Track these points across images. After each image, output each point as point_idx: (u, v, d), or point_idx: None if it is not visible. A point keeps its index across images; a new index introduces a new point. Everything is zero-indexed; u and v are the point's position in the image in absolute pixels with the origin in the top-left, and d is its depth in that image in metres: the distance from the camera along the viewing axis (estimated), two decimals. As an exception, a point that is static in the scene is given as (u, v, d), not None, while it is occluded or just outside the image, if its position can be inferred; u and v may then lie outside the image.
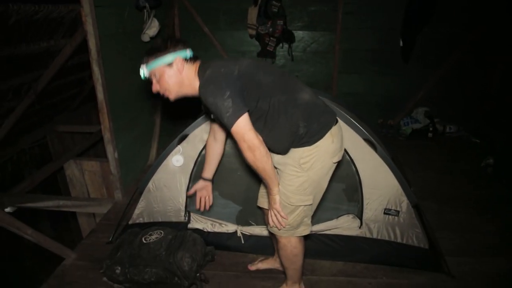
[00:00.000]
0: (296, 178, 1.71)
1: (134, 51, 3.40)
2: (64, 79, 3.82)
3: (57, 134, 4.60)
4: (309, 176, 1.71)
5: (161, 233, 2.32)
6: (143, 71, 1.69)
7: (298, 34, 4.68)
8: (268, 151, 1.59)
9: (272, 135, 1.65)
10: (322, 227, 2.43)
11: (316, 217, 2.46)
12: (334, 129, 1.71)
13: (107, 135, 2.99)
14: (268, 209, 1.85)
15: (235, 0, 4.57)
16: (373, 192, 2.33)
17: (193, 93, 1.69)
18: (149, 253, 2.18)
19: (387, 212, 2.34)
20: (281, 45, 4.65)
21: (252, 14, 4.39)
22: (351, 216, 2.43)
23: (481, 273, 2.33)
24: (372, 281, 2.28)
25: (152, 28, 3.41)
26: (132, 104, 3.45)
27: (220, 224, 2.53)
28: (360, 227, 2.40)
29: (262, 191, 2.07)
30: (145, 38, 3.42)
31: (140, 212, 2.62)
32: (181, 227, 2.53)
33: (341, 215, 2.44)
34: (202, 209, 2.11)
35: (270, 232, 1.95)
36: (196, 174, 2.50)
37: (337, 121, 1.76)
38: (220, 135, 1.99)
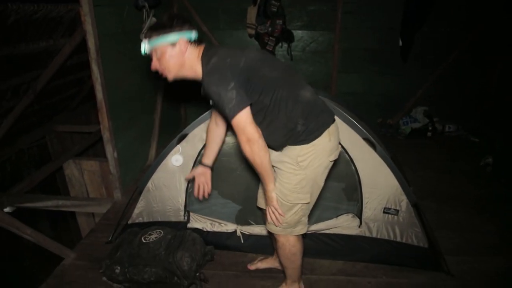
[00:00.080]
0: (294, 176, 1.71)
1: (133, 51, 3.39)
2: (63, 79, 3.82)
3: (56, 134, 4.59)
4: (307, 174, 1.71)
5: (160, 232, 2.32)
6: (144, 47, 1.62)
7: (297, 33, 4.68)
8: (266, 146, 1.59)
9: (270, 129, 1.65)
10: (321, 226, 2.43)
11: (315, 216, 2.47)
12: (331, 127, 1.72)
13: (106, 135, 2.98)
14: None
15: (233, 0, 4.57)
16: (372, 191, 2.33)
17: (192, 76, 1.67)
18: (148, 253, 2.18)
19: (386, 211, 2.34)
20: (280, 44, 4.65)
21: (251, 13, 4.39)
22: (350, 215, 2.43)
23: (480, 272, 2.33)
24: (372, 280, 2.28)
25: (151, 28, 3.40)
26: (131, 104, 3.44)
27: (220, 223, 2.53)
28: (359, 226, 2.40)
29: (261, 191, 2.07)
30: (144, 37, 3.41)
31: (139, 212, 2.62)
32: (180, 226, 2.53)
33: (341, 214, 2.44)
34: (200, 197, 2.05)
35: (268, 231, 1.95)
36: (195, 174, 2.50)
37: (334, 120, 1.77)
38: (221, 120, 1.97)
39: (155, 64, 1.65)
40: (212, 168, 2.08)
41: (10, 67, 2.92)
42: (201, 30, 4.63)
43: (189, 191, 2.53)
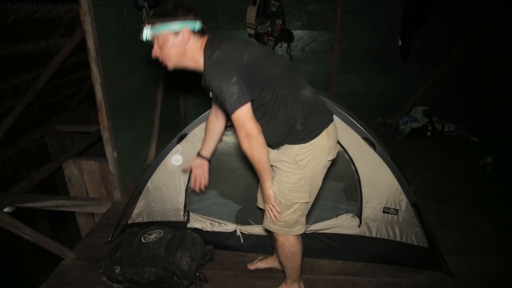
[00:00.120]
0: (293, 175, 1.72)
1: (133, 51, 3.40)
2: (63, 79, 3.81)
3: (56, 134, 4.59)
4: (305, 173, 1.71)
5: (160, 232, 2.32)
6: (146, 33, 1.59)
7: (297, 33, 4.68)
8: (265, 142, 1.58)
9: (269, 126, 1.65)
10: (321, 226, 2.43)
11: (315, 216, 2.48)
12: (330, 127, 1.72)
13: (106, 135, 2.98)
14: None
15: (233, 0, 4.56)
16: (372, 191, 2.34)
17: (193, 67, 1.65)
18: (148, 253, 2.18)
19: (386, 211, 2.34)
20: (280, 44, 4.65)
21: (251, 13, 4.39)
22: (350, 215, 2.43)
23: (480, 272, 2.33)
24: (372, 279, 2.28)
25: (150, 28, 3.39)
26: (131, 104, 3.44)
27: (220, 223, 2.53)
28: (359, 226, 2.40)
29: (261, 191, 2.07)
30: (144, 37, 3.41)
31: (139, 212, 2.62)
32: (180, 226, 2.53)
33: (340, 214, 2.45)
34: (197, 189, 2.02)
35: (268, 231, 1.95)
36: (195, 174, 2.50)
37: (332, 120, 1.77)
38: (221, 113, 1.94)
39: (156, 52, 1.62)
40: (209, 160, 2.05)
41: (10, 67, 2.92)
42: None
43: (188, 191, 2.53)
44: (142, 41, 3.46)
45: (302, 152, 1.69)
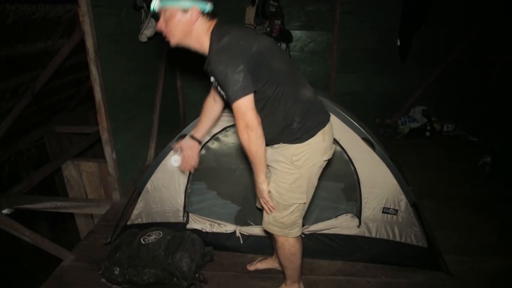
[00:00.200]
0: (289, 175, 1.72)
1: (132, 51, 3.40)
2: (62, 79, 3.81)
3: (55, 134, 4.58)
4: (301, 173, 1.72)
5: (159, 233, 2.32)
6: (155, 3, 1.54)
7: (296, 33, 4.68)
8: (263, 135, 1.57)
9: (266, 121, 1.63)
10: (321, 227, 2.43)
11: (314, 217, 2.48)
12: (326, 127, 1.73)
13: (105, 136, 2.98)
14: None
15: (232, 0, 4.56)
16: (371, 191, 2.34)
17: (196, 48, 1.62)
18: (147, 254, 2.18)
19: (385, 211, 2.35)
20: (279, 44, 4.65)
21: (250, 14, 4.39)
22: (349, 215, 2.43)
23: (479, 271, 2.34)
24: (371, 280, 2.28)
25: (149, 28, 3.40)
26: (130, 104, 3.44)
27: (219, 224, 2.53)
28: (359, 226, 2.40)
29: None
30: (143, 38, 3.42)
31: (138, 213, 2.62)
32: (179, 227, 2.53)
33: (340, 215, 2.45)
34: (186, 170, 2.00)
35: (267, 232, 1.95)
36: (194, 175, 2.50)
37: (329, 120, 1.77)
38: (220, 98, 1.91)
39: (161, 25, 1.58)
40: (201, 143, 2.03)
41: (9, 67, 2.91)
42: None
43: (188, 192, 2.53)
44: (140, 42, 3.49)
45: (298, 152, 1.69)
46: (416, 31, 4.11)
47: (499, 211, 3.00)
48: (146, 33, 3.40)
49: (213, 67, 1.49)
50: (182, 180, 2.50)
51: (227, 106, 1.60)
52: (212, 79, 1.63)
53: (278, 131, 1.67)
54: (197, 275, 2.19)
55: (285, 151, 1.71)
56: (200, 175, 2.55)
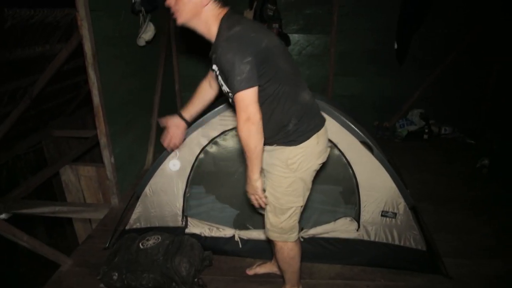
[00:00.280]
0: (284, 179, 1.72)
1: (130, 55, 3.40)
2: (60, 84, 3.81)
3: (53, 139, 4.57)
4: (297, 176, 1.72)
5: (158, 238, 2.31)
6: None
7: (294, 37, 4.69)
8: (263, 131, 1.55)
9: (263, 120, 1.60)
10: (319, 230, 2.43)
11: (313, 220, 2.48)
12: (320, 131, 1.74)
13: (103, 140, 2.97)
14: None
15: (230, 4, 4.56)
16: (370, 195, 2.34)
17: (202, 32, 1.61)
18: (146, 259, 2.17)
19: (384, 214, 2.34)
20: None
21: (248, 17, 4.40)
22: (348, 219, 2.43)
23: (478, 274, 2.33)
24: (370, 283, 2.27)
25: (147, 32, 3.40)
26: (128, 108, 3.43)
27: (218, 228, 2.52)
28: (357, 230, 2.40)
29: None
30: (141, 42, 3.42)
31: (137, 217, 2.61)
32: (178, 231, 2.52)
33: (339, 218, 2.45)
34: (168, 148, 2.00)
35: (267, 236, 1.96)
36: (193, 179, 2.50)
37: (324, 125, 1.78)
38: (216, 85, 1.91)
39: (170, 1, 1.57)
40: (188, 124, 2.01)
41: (7, 72, 2.91)
42: (197, 35, 4.63)
43: (186, 196, 2.53)
44: (138, 46, 3.49)
45: (293, 155, 1.69)
46: (415, 32, 4.12)
47: (498, 214, 3.00)
48: (144, 37, 3.40)
49: (220, 54, 1.47)
50: (181, 184, 2.49)
51: (221, 95, 1.58)
52: (214, 67, 1.60)
53: (273, 131, 1.66)
54: (196, 279, 2.18)
55: (280, 155, 1.72)
56: (199, 179, 2.55)
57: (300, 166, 1.70)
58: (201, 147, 2.43)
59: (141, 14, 3.31)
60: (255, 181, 1.66)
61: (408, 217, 2.32)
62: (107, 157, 3.03)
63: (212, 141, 2.44)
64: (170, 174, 2.48)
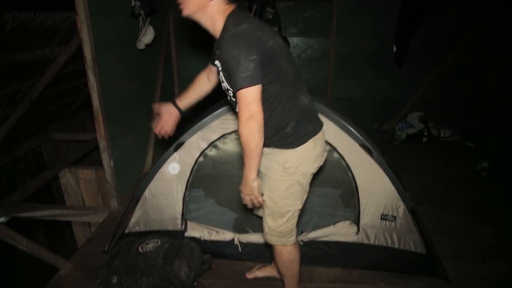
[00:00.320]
0: (282, 182, 1.73)
1: (129, 58, 3.40)
2: (59, 87, 3.80)
3: (52, 142, 4.56)
4: (294, 179, 1.73)
5: (157, 241, 2.31)
6: None
7: (293, 40, 4.70)
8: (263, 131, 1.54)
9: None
10: (319, 234, 2.43)
11: (313, 224, 2.48)
12: (317, 135, 1.74)
13: (102, 143, 2.97)
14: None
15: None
16: (369, 198, 2.34)
17: (207, 26, 1.59)
18: (145, 262, 2.17)
19: (384, 217, 2.35)
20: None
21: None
22: (348, 222, 2.43)
23: (478, 277, 2.34)
24: (370, 287, 2.27)
25: (147, 35, 3.41)
26: (127, 111, 3.43)
27: (217, 232, 2.52)
28: (357, 233, 2.40)
29: None
30: (140, 45, 3.42)
31: (136, 221, 2.60)
32: (178, 235, 2.51)
33: (338, 221, 2.45)
34: (159, 135, 1.99)
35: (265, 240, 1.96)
36: (192, 182, 2.50)
37: (321, 129, 1.79)
38: (214, 78, 1.91)
39: None
40: (181, 113, 1.99)
41: (6, 75, 2.91)
42: (196, 38, 4.64)
43: (186, 199, 2.53)
44: (138, 49, 3.49)
45: (290, 158, 1.70)
46: (414, 34, 4.12)
47: (497, 216, 3.00)
48: (144, 40, 3.41)
49: (225, 50, 1.45)
50: (180, 188, 2.49)
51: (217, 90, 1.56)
52: (217, 63, 1.59)
53: (271, 133, 1.66)
54: (195, 283, 2.18)
55: (277, 158, 1.72)
56: (198, 183, 2.55)
57: (297, 170, 1.71)
58: (201, 150, 2.44)
59: (140, 17, 3.31)
60: (252, 181, 1.63)
61: (408, 220, 2.32)
62: (107, 161, 3.03)
63: (212, 144, 2.44)
64: (169, 177, 2.48)
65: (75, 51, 3.00)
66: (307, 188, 1.82)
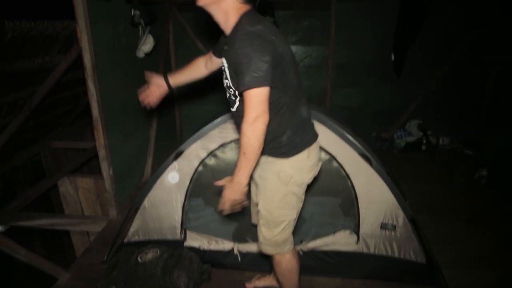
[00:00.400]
0: (277, 192, 1.73)
1: (129, 67, 3.41)
2: (59, 95, 3.81)
3: (51, 150, 4.55)
4: (289, 190, 1.72)
5: (157, 251, 2.30)
6: None
7: (292, 49, 4.68)
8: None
9: None
10: (319, 243, 2.42)
11: (313, 233, 2.47)
12: (311, 146, 1.74)
13: (102, 152, 2.96)
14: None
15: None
16: (369, 207, 2.34)
17: (219, 20, 1.58)
18: (145, 272, 2.15)
19: (383, 226, 2.34)
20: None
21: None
22: (348, 231, 2.43)
23: (478, 286, 2.33)
24: (370, 297, 2.26)
25: (147, 44, 3.43)
26: (127, 120, 3.44)
27: (217, 241, 2.51)
28: (357, 243, 2.39)
29: (254, 209, 2.07)
30: (140, 54, 3.44)
31: (135, 230, 2.59)
32: (177, 245, 2.50)
33: (338, 231, 2.44)
34: (142, 102, 1.99)
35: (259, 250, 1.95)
36: (192, 191, 2.49)
37: (316, 140, 1.78)
38: (212, 66, 1.93)
39: None
40: (169, 89, 1.98)
41: (6, 83, 2.91)
42: (196, 47, 4.67)
43: (185, 209, 2.52)
44: (138, 58, 3.49)
45: (285, 168, 1.70)
46: (413, 41, 4.11)
47: (497, 224, 3.00)
48: (144, 49, 3.42)
49: (238, 47, 1.43)
50: (180, 197, 2.49)
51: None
52: (224, 60, 1.58)
53: (267, 139, 1.61)
54: (194, 293, 2.16)
55: (272, 168, 1.72)
56: (198, 192, 2.54)
57: (292, 180, 1.71)
58: (200, 159, 2.44)
59: (140, 26, 3.33)
60: (245, 187, 1.58)
61: (408, 229, 2.32)
62: (106, 169, 3.02)
63: (211, 153, 2.44)
64: (169, 186, 2.47)
65: (74, 59, 3.01)
66: (303, 197, 1.82)
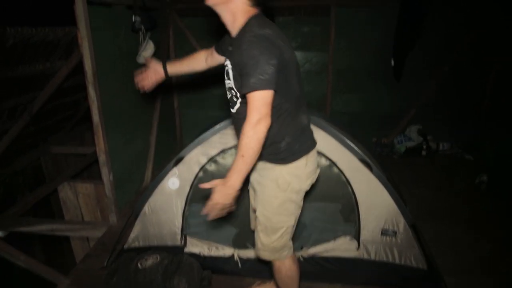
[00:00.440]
0: (275, 199, 1.72)
1: (129, 73, 3.40)
2: (59, 101, 3.81)
3: (51, 155, 4.55)
4: (287, 196, 1.72)
5: (157, 257, 2.29)
6: None
7: (293, 55, 4.71)
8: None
9: None
10: (319, 250, 2.42)
11: (313, 239, 2.47)
12: (309, 153, 1.74)
13: (102, 158, 2.96)
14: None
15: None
16: (369, 213, 2.34)
17: (227, 21, 1.58)
18: (145, 278, 2.15)
19: (384, 232, 2.34)
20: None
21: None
22: (348, 237, 2.42)
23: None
24: (371, 303, 2.25)
25: (147, 50, 3.44)
26: (127, 126, 3.44)
27: (217, 247, 2.51)
28: (357, 249, 2.39)
29: (253, 214, 2.06)
30: (141, 59, 3.45)
31: (135, 236, 2.59)
32: (177, 251, 2.50)
33: (338, 237, 2.43)
34: (136, 85, 2.02)
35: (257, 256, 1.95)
36: (192, 197, 2.49)
37: (314, 148, 1.78)
38: (212, 62, 1.93)
39: None
40: (166, 76, 1.99)
41: (7, 89, 2.92)
42: (195, 52, 4.67)
43: (185, 215, 2.51)
44: (138, 63, 3.51)
45: (283, 175, 1.70)
46: (413, 46, 4.12)
47: (497, 229, 3.00)
48: (144, 54, 3.43)
49: (245, 48, 1.42)
50: (180, 203, 2.48)
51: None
52: (227, 61, 1.58)
53: (265, 144, 1.60)
54: (195, 300, 2.15)
55: (270, 174, 1.72)
56: (198, 197, 2.54)
57: (290, 186, 1.71)
58: (201, 165, 2.44)
59: (141, 32, 3.35)
60: (238, 191, 1.54)
61: (408, 235, 2.31)
62: (106, 175, 3.02)
63: (212, 159, 2.44)
64: (169, 192, 2.47)
65: (75, 65, 3.02)
66: (301, 204, 1.82)
